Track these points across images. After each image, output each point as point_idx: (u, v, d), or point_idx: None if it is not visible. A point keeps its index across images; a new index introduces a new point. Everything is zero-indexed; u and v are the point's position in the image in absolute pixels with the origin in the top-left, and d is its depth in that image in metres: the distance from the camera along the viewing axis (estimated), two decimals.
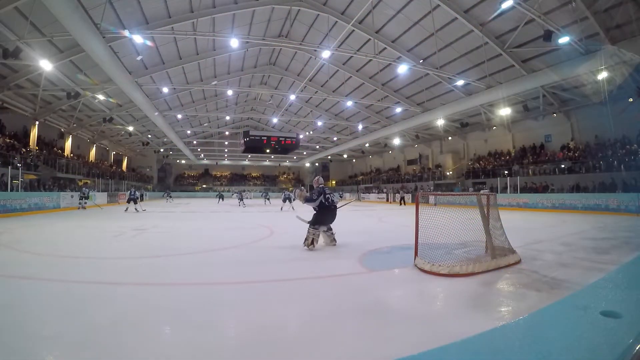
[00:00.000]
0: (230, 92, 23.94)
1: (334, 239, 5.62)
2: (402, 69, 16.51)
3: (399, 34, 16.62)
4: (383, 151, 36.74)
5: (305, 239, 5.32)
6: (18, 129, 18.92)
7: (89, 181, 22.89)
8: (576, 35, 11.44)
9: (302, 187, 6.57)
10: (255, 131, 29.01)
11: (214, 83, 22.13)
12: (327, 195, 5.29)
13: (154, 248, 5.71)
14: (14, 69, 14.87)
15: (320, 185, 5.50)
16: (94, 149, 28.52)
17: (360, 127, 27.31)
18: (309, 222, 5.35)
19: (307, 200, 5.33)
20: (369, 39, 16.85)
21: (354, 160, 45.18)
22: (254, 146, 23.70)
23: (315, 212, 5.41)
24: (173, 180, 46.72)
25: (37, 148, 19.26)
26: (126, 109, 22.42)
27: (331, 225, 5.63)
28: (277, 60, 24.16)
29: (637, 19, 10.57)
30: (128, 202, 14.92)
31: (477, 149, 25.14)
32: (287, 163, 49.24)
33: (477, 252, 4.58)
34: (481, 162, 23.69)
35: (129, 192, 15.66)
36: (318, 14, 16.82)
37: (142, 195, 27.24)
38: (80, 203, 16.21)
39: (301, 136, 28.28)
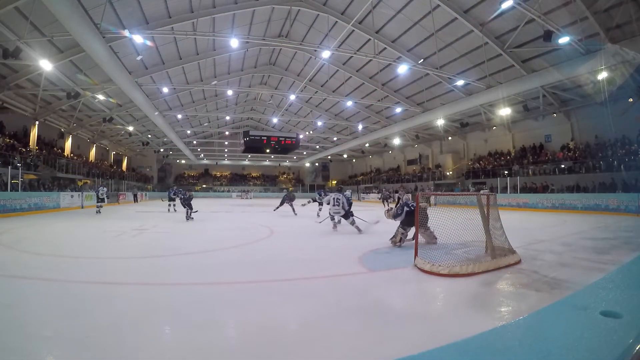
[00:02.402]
0: (230, 92, 23.93)
1: (434, 236, 5.55)
2: (402, 69, 16.52)
3: (399, 34, 16.62)
4: (383, 151, 36.74)
5: (394, 236, 5.72)
6: (18, 129, 18.91)
7: (88, 181, 22.87)
8: (576, 35, 11.44)
9: (390, 208, 6.82)
10: (255, 131, 29.02)
11: (214, 83, 22.13)
12: (410, 204, 5.83)
13: (154, 248, 5.71)
14: (14, 69, 14.86)
15: (406, 201, 6.17)
16: (94, 149, 28.52)
17: (360, 127, 27.30)
18: (400, 223, 5.78)
19: (395, 216, 5.86)
20: (369, 39, 16.85)
21: (354, 160, 45.19)
22: (254, 146, 23.76)
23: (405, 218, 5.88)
24: (173, 180, 46.71)
25: (37, 148, 19.25)
26: (126, 109, 22.42)
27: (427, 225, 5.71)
28: (277, 60, 24.16)
29: (637, 19, 10.56)
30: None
31: (477, 149, 25.15)
32: (287, 163, 49.23)
33: (477, 252, 4.58)
34: (481, 162, 23.69)
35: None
36: (318, 14, 16.82)
37: (135, 196, 25.84)
38: (98, 206, 13.55)
39: (301, 136, 28.31)
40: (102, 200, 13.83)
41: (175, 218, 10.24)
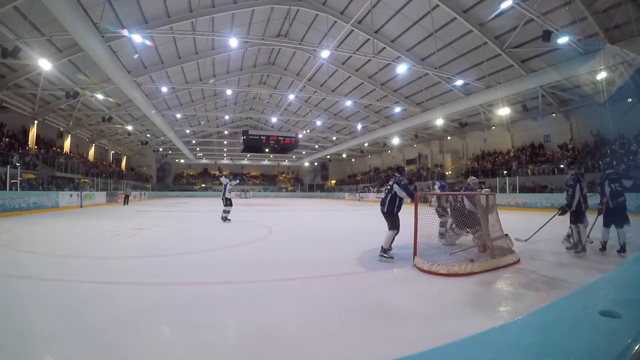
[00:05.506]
0: (229, 92, 23.91)
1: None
2: (401, 68, 16.52)
3: (398, 33, 16.61)
4: (382, 151, 36.74)
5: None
6: (17, 128, 18.85)
7: (87, 180, 22.81)
8: (575, 36, 11.45)
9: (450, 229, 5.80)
10: (255, 130, 28.94)
11: (212, 81, 22.06)
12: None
13: (154, 248, 5.70)
14: (13, 68, 14.82)
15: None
16: (93, 148, 28.47)
17: (359, 126, 27.30)
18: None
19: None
20: (368, 39, 16.83)
21: (353, 160, 45.18)
22: (253, 145, 23.72)
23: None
24: (172, 179, 46.67)
25: (35, 147, 19.20)
26: (125, 109, 22.37)
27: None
28: (276, 59, 24.13)
29: (636, 19, 10.58)
30: None
31: (476, 148, 25.17)
32: (286, 162, 49.24)
33: (476, 251, 4.59)
34: (480, 161, 23.71)
35: None
36: (317, 14, 16.81)
37: (126, 197, 21.97)
38: (225, 215, 9.62)
39: (300, 136, 28.28)
40: (230, 203, 9.68)
41: (174, 218, 10.19)
